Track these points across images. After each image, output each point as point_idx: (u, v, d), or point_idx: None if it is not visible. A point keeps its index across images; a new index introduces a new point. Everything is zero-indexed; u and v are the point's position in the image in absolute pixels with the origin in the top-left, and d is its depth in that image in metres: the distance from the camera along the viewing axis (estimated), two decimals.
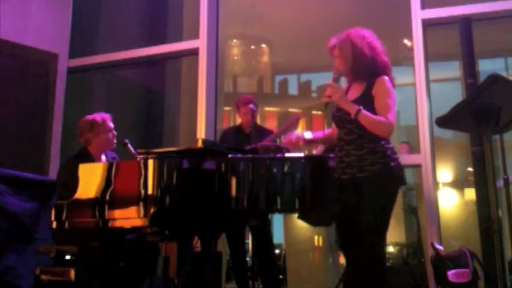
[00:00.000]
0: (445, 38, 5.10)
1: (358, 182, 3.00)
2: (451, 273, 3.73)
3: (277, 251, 7.48)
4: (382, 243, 2.99)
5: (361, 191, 2.99)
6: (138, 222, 2.95)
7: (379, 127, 2.95)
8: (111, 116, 4.00)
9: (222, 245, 4.54)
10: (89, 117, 3.94)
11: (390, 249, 7.04)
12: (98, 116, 3.93)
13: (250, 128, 4.36)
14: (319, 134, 3.40)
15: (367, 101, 3.01)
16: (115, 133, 3.95)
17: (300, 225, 6.56)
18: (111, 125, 3.95)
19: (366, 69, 3.08)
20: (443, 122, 3.05)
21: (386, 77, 3.03)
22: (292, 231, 7.36)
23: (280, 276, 6.22)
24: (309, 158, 3.38)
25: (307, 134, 3.37)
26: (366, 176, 2.98)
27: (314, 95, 12.58)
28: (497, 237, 2.83)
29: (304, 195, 3.26)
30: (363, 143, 3.00)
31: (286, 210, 3.94)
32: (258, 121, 4.92)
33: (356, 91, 3.14)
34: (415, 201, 6.64)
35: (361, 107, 2.93)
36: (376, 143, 2.98)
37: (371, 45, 3.07)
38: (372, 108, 2.98)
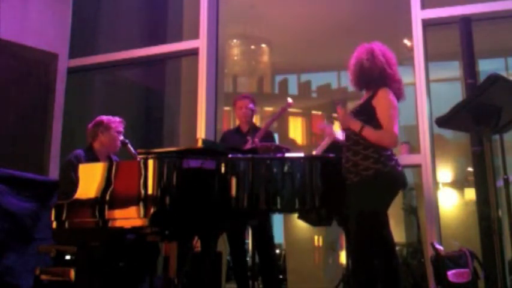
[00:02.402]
0: (445, 38, 5.10)
1: (353, 187, 3.11)
2: (451, 273, 3.73)
3: (277, 251, 7.48)
4: (371, 248, 3.08)
5: (355, 195, 3.11)
6: (138, 222, 2.96)
7: (382, 140, 3.08)
8: (123, 122, 4.01)
9: (222, 245, 4.53)
10: (100, 117, 3.99)
11: None
12: (106, 117, 3.97)
13: (249, 126, 4.36)
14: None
15: (366, 109, 3.16)
16: (120, 138, 3.94)
17: (300, 225, 6.56)
18: (119, 128, 3.96)
19: (368, 81, 3.22)
20: (444, 122, 3.04)
21: (387, 89, 3.14)
22: (292, 231, 7.37)
23: (280, 276, 6.22)
24: (318, 158, 3.39)
25: (338, 134, 3.45)
26: (358, 181, 3.08)
27: (314, 95, 12.59)
28: (497, 237, 2.82)
29: (305, 195, 3.27)
30: (358, 149, 3.11)
31: (287, 210, 3.94)
32: (258, 121, 4.91)
33: (362, 100, 3.27)
34: (415, 201, 6.64)
35: (364, 125, 3.07)
36: (371, 148, 3.08)
37: (377, 58, 3.18)
38: (371, 117, 3.11)
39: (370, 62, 3.17)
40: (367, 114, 3.13)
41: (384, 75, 3.16)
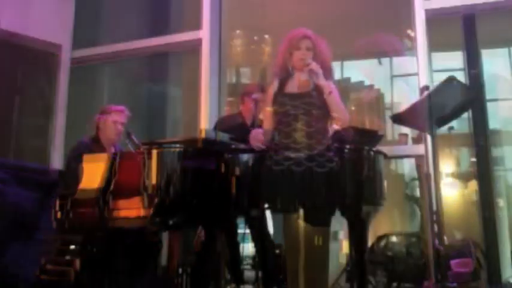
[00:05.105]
0: (448, 28, 5.09)
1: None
2: (454, 263, 3.74)
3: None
4: None
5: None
6: (142, 213, 2.97)
7: (343, 111, 3.01)
8: (125, 111, 4.02)
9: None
10: (104, 106, 4.04)
11: (393, 239, 7.05)
12: (108, 106, 4.01)
13: (253, 120, 4.34)
14: None
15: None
16: (120, 128, 3.95)
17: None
18: (121, 119, 3.96)
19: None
20: (398, 119, 3.04)
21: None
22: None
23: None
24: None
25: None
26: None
27: None
28: (498, 229, 2.84)
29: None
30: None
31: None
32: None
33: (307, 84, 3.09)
34: (417, 192, 6.64)
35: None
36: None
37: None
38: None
39: None
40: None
41: None
